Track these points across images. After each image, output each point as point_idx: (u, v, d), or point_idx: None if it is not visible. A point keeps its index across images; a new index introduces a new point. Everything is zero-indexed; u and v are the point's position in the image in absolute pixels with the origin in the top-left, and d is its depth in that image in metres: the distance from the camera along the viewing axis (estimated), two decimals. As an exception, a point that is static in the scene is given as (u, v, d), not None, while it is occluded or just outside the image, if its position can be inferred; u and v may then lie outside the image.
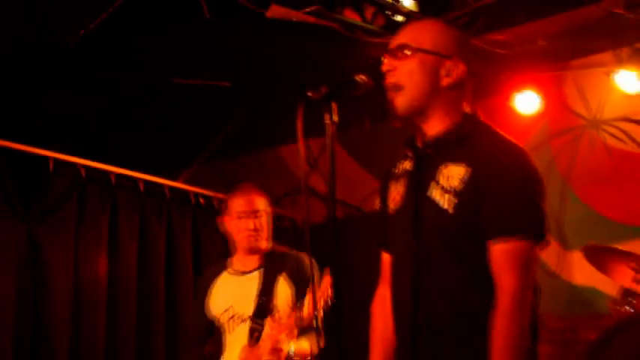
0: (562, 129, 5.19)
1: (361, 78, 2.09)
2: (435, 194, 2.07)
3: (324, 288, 3.17)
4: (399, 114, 2.15)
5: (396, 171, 2.27)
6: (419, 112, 2.16)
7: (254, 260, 3.60)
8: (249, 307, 3.48)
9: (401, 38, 2.19)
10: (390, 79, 2.16)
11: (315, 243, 2.08)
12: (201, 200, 5.26)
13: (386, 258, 2.31)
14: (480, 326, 1.98)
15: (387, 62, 2.17)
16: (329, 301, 3.13)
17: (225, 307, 3.53)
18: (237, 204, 3.62)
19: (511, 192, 2.00)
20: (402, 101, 2.15)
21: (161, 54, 4.52)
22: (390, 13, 4.11)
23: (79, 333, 4.31)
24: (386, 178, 2.31)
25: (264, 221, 3.61)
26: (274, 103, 4.87)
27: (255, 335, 3.39)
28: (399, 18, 4.09)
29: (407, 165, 2.23)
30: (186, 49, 4.49)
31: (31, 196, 4.27)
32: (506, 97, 5.09)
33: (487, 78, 4.87)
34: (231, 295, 3.55)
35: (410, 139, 2.24)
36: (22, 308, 4.08)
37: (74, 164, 4.49)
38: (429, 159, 2.14)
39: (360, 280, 2.93)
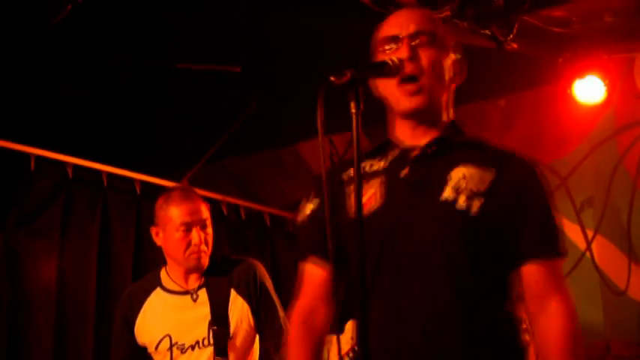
0: (631, 122, 5.21)
1: (392, 60, 2.08)
2: (451, 196, 2.11)
3: (348, 337, 3.12)
4: (418, 108, 2.18)
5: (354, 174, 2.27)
6: (429, 109, 2.21)
7: (194, 277, 3.45)
8: (193, 335, 3.35)
9: (417, 24, 2.20)
10: (413, 70, 2.15)
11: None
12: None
13: (317, 271, 2.29)
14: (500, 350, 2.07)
15: (406, 49, 2.16)
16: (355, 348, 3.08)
17: (160, 335, 3.37)
18: (181, 212, 3.36)
19: (548, 209, 2.15)
20: (424, 97, 2.18)
21: (161, 34, 4.49)
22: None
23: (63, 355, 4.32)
24: (334, 182, 2.24)
25: (211, 234, 3.45)
26: (292, 92, 4.86)
27: None
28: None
29: (380, 164, 2.24)
30: (191, 28, 4.47)
31: (9, 199, 4.30)
32: (566, 84, 5.08)
33: (543, 62, 4.83)
34: (168, 320, 3.39)
35: (386, 140, 2.28)
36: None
37: (60, 162, 4.53)
38: (431, 161, 2.18)
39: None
